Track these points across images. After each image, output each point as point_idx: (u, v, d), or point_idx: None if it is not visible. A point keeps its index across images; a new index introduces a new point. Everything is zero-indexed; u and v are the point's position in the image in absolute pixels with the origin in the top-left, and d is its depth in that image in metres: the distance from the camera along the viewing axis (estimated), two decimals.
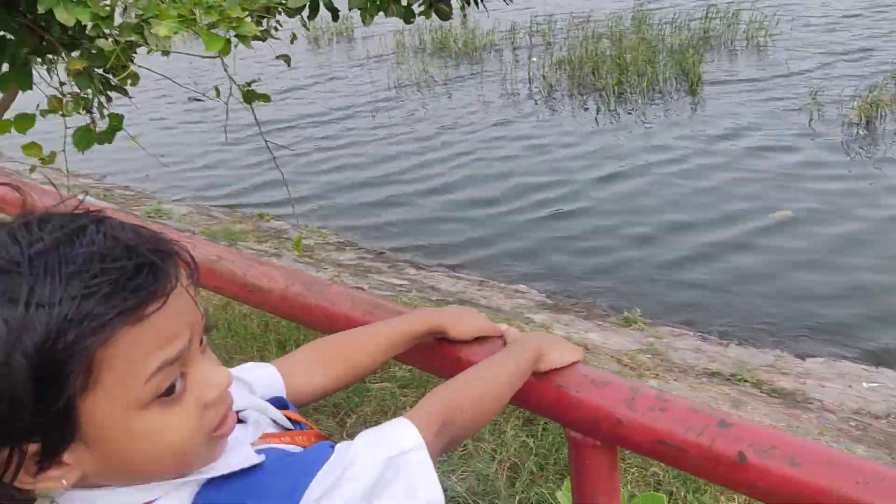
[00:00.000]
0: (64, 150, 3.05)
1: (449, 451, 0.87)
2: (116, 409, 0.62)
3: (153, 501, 0.67)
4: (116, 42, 2.37)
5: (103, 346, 0.59)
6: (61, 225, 0.62)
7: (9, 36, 2.77)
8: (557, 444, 2.52)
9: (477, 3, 3.05)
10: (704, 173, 6.56)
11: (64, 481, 0.63)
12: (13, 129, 2.78)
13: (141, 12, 2.32)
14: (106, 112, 3.09)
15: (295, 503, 0.68)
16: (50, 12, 2.42)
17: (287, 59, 3.00)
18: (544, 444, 2.54)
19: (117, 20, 2.44)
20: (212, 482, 0.69)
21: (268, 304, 1.32)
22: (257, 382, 0.88)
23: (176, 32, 2.08)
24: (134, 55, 2.79)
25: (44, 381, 0.58)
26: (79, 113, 2.77)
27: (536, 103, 9.16)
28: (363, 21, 2.80)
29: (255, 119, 3.53)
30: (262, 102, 3.37)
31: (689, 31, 10.58)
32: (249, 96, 3.30)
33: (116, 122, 3.11)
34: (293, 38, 3.57)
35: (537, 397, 0.98)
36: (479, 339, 1.05)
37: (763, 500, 0.85)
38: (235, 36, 2.21)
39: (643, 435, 0.91)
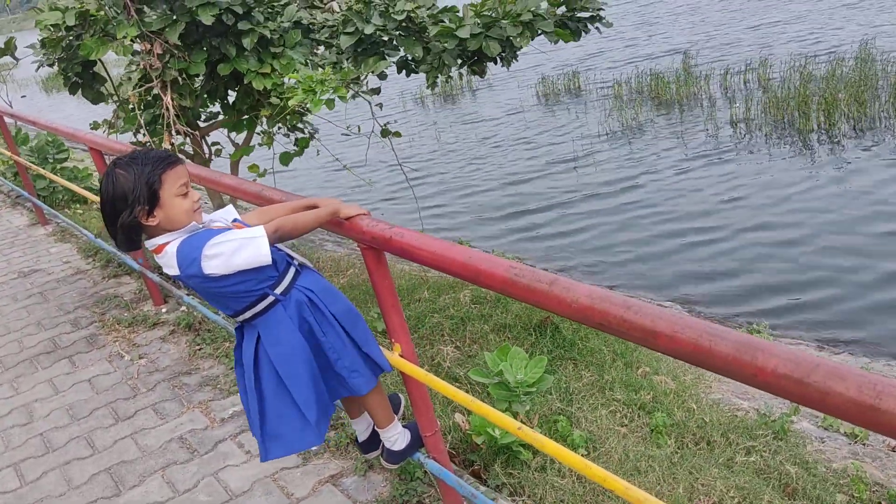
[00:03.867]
0: (273, 169, 4.79)
1: (278, 240, 2.14)
2: (170, 196, 2.00)
3: (177, 238, 2.04)
4: (281, 99, 3.97)
5: (162, 176, 1.98)
6: (146, 150, 2.03)
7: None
8: None
9: (506, 63, 4.23)
10: None
11: (155, 221, 2.03)
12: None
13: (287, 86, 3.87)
14: (297, 138, 4.80)
15: (205, 243, 2.00)
16: (251, 82, 4.10)
17: (376, 91, 4.39)
18: None
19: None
20: (189, 235, 2.05)
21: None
22: (230, 213, 2.23)
23: (301, 101, 3.57)
24: (304, 108, 4.41)
25: (149, 188, 1.98)
26: (268, 144, 4.46)
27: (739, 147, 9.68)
28: (430, 86, 4.15)
29: (393, 150, 5.00)
30: (396, 137, 4.84)
31: None
32: (385, 132, 4.80)
33: (303, 145, 4.78)
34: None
35: (345, 228, 2.21)
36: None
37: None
38: (337, 96, 3.66)
39: (382, 241, 2.09)
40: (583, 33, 4.24)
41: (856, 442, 3.33)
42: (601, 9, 4.15)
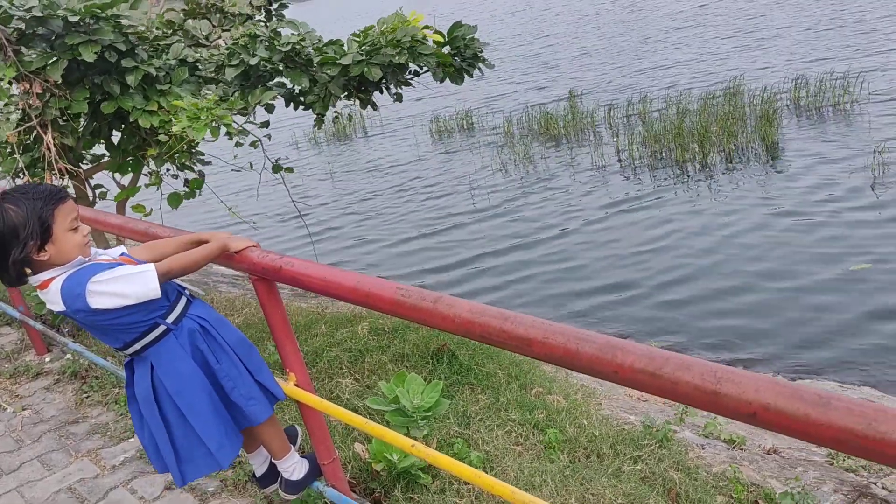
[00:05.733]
0: (160, 209, 4.70)
1: (169, 279, 2.15)
2: (62, 231, 1.97)
3: (62, 273, 2.01)
4: (169, 137, 3.93)
5: (54, 211, 1.96)
6: (35, 185, 2.01)
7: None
8: None
9: (395, 93, 4.38)
10: (780, 233, 7.48)
11: (46, 256, 1.98)
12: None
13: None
14: (187, 179, 4.73)
15: (89, 278, 1.98)
16: (137, 121, 4.04)
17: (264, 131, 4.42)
18: None
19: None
20: (75, 270, 2.02)
21: None
22: (115, 250, 2.21)
23: (185, 129, 3.56)
24: (193, 145, 4.38)
25: (41, 223, 1.94)
26: (156, 185, 4.39)
27: (625, 177, 10.21)
28: (317, 125, 4.23)
29: (286, 186, 5.01)
30: (288, 173, 4.85)
31: (776, 102, 11.24)
32: (277, 168, 4.81)
33: (195, 186, 4.72)
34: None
35: (235, 261, 2.23)
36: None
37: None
38: (223, 124, 3.67)
39: (272, 271, 2.13)
40: (467, 75, 4.42)
41: (734, 447, 3.55)
42: (482, 50, 4.35)
